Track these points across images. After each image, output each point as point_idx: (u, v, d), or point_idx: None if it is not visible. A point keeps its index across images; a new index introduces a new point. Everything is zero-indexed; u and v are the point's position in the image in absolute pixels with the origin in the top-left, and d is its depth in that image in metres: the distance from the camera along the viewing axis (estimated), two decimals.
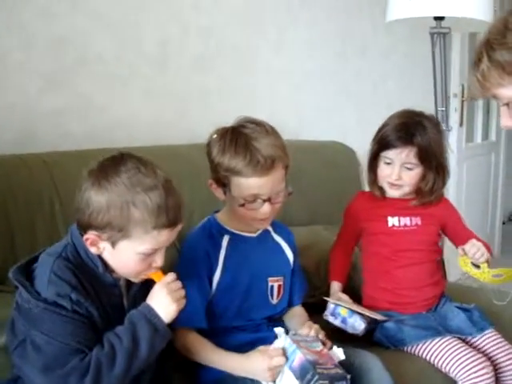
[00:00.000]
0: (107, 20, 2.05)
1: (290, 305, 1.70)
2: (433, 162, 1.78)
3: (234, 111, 2.34)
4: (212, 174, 1.54)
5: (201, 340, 1.50)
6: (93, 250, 1.23)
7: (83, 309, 1.19)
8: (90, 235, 1.21)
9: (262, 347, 1.43)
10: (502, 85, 1.10)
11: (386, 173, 1.79)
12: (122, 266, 1.25)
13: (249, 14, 2.43)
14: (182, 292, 1.27)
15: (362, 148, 2.73)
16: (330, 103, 2.78)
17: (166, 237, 1.22)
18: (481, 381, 1.62)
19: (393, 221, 1.83)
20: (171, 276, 1.27)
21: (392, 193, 1.82)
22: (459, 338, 1.74)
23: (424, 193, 1.82)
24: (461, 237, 1.85)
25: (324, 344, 1.49)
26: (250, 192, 1.47)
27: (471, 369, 1.63)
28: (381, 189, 1.84)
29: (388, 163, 1.78)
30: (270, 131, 1.51)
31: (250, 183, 1.46)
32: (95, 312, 1.21)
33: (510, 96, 1.12)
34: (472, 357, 1.65)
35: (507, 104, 1.14)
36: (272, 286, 1.63)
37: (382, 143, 1.79)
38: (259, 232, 1.63)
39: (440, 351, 1.69)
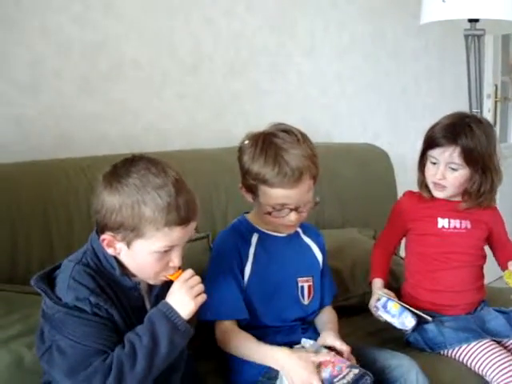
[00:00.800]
0: (141, 26, 2.08)
1: (321, 306, 1.70)
2: (479, 164, 1.75)
3: (266, 115, 2.39)
4: (242, 179, 1.56)
5: (241, 332, 1.52)
6: (110, 251, 1.24)
7: (103, 311, 1.21)
8: (106, 236, 1.23)
9: (314, 358, 1.42)
10: None
11: (431, 172, 1.78)
12: (139, 268, 1.27)
13: (280, 18, 2.44)
14: (201, 287, 1.26)
15: (395, 150, 2.75)
16: (361, 105, 2.77)
17: (178, 234, 1.22)
18: None
19: (443, 222, 1.81)
20: (189, 272, 1.27)
21: (436, 193, 1.80)
22: (495, 341, 1.72)
23: (471, 195, 1.79)
24: (502, 248, 1.86)
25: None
26: (276, 201, 1.49)
27: (508, 372, 1.61)
28: (429, 189, 1.83)
29: (434, 163, 1.77)
30: (301, 140, 1.51)
31: (277, 193, 1.47)
32: (116, 314, 1.23)
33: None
34: (509, 361, 1.63)
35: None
36: (302, 287, 1.63)
37: (428, 142, 1.79)
38: (288, 232, 1.63)
39: (477, 354, 1.68)
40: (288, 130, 1.52)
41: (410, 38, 2.80)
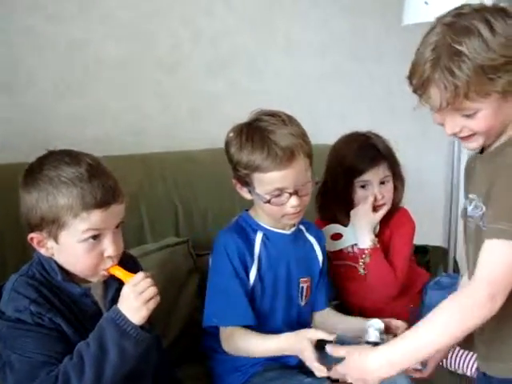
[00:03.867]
0: (120, 25, 2.04)
1: (315, 309, 1.66)
2: (397, 173, 1.85)
3: (245, 115, 2.35)
4: (234, 174, 1.51)
5: (247, 334, 1.48)
6: (43, 251, 1.23)
7: (46, 321, 1.18)
8: (33, 235, 1.22)
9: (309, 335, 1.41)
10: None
11: (365, 194, 1.79)
12: (74, 263, 1.24)
13: (259, 17, 2.40)
14: (152, 291, 1.21)
15: None
16: (341, 105, 2.75)
17: (98, 218, 1.20)
18: None
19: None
20: (139, 276, 1.22)
21: (378, 216, 1.80)
22: None
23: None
24: None
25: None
26: (273, 186, 1.43)
27: (464, 357, 1.64)
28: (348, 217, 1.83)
29: (363, 186, 1.80)
30: (286, 120, 1.47)
31: (271, 177, 1.42)
32: (63, 323, 1.20)
33: (480, 106, 1.13)
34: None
35: (468, 115, 1.15)
36: (302, 287, 1.60)
37: (353, 171, 1.79)
38: (293, 230, 1.58)
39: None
40: (272, 113, 1.49)
41: (391, 38, 2.79)
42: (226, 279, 1.50)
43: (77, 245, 1.21)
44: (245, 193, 1.52)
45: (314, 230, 1.67)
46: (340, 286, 1.88)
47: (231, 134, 1.50)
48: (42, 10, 1.87)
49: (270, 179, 1.42)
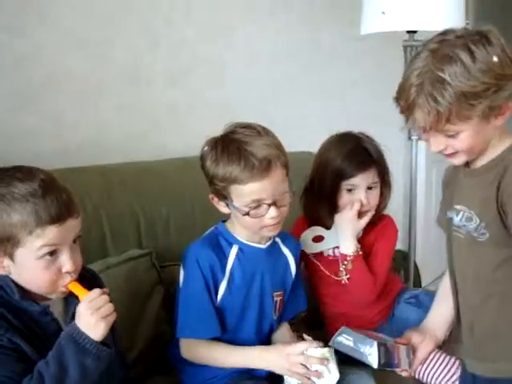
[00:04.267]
0: (76, 36, 2.01)
1: (281, 320, 1.66)
2: (385, 178, 1.79)
3: (205, 125, 2.33)
4: (211, 188, 1.49)
5: (214, 345, 1.49)
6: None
7: (4, 341, 1.16)
8: None
9: (300, 348, 1.42)
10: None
11: (350, 199, 1.73)
12: (32, 281, 1.22)
13: (218, 27, 2.41)
14: (109, 307, 1.19)
15: None
16: (298, 113, 2.77)
17: (54, 234, 1.18)
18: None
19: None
20: (94, 293, 1.20)
21: (363, 222, 1.76)
22: None
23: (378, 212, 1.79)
24: None
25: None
26: (251, 198, 1.42)
27: (439, 373, 1.57)
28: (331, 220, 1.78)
29: (349, 189, 1.73)
30: (261, 132, 1.46)
31: (249, 189, 1.41)
32: (23, 343, 1.18)
33: (461, 128, 1.19)
34: (437, 359, 1.57)
35: (451, 135, 1.21)
36: (276, 301, 1.60)
37: (341, 174, 1.73)
38: (268, 244, 1.57)
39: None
40: (246, 125, 1.48)
41: (346, 46, 2.83)
42: (196, 291, 1.49)
43: (33, 262, 1.19)
44: (222, 207, 1.51)
45: (290, 242, 1.66)
46: (316, 289, 1.86)
47: (206, 148, 1.48)
48: None
49: (248, 190, 1.41)
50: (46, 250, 1.18)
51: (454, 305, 1.39)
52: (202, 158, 1.49)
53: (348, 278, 1.73)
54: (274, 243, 1.60)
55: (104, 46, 2.09)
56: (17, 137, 1.88)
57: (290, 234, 1.69)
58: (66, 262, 1.21)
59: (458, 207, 1.30)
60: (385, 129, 3.22)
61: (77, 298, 1.23)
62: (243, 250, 1.54)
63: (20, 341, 1.17)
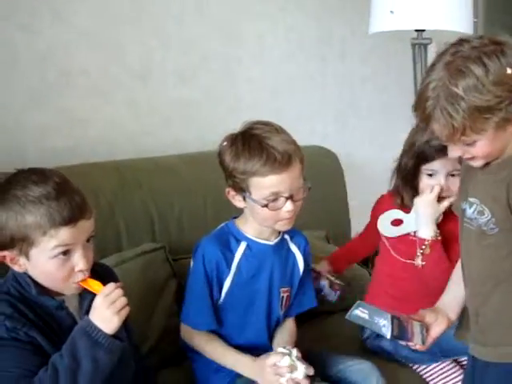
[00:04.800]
0: (89, 34, 2.05)
1: (287, 315, 1.69)
2: None
3: (216, 121, 2.39)
4: (228, 182, 1.53)
5: (210, 341, 1.56)
6: (16, 268, 1.26)
7: (22, 335, 1.20)
8: (5, 253, 1.24)
9: (272, 361, 1.47)
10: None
11: (430, 183, 1.70)
12: (47, 278, 1.27)
13: (229, 24, 2.43)
14: (123, 301, 1.24)
15: (343, 151, 2.79)
16: (309, 108, 2.80)
17: (67, 234, 1.22)
18: None
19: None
20: (110, 287, 1.25)
21: (443, 206, 1.70)
22: (455, 361, 1.76)
23: None
24: None
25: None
26: (270, 190, 1.46)
27: None
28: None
29: (430, 174, 1.70)
30: (279, 129, 1.52)
31: (270, 181, 1.45)
32: (39, 336, 1.22)
33: (478, 137, 1.22)
34: None
35: (468, 144, 1.24)
36: (283, 297, 1.64)
37: (422, 156, 1.70)
38: (277, 240, 1.61)
39: (437, 376, 1.73)
40: (264, 123, 1.53)
41: (357, 42, 2.85)
42: (198, 285, 1.55)
43: (47, 261, 1.23)
44: (238, 201, 1.55)
45: (299, 239, 1.69)
46: (382, 268, 1.85)
47: (225, 143, 1.53)
48: (11, 18, 1.86)
49: (268, 183, 1.46)
50: (60, 249, 1.22)
51: (465, 291, 1.43)
52: (221, 153, 1.53)
53: (424, 264, 1.72)
54: (283, 240, 1.64)
55: (116, 45, 2.12)
56: (31, 133, 1.93)
57: (299, 231, 1.71)
58: (79, 261, 1.25)
59: (471, 200, 1.33)
60: (395, 123, 3.25)
61: (91, 293, 1.28)
62: (251, 246, 1.58)
63: (36, 334, 1.21)
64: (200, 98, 2.37)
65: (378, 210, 1.85)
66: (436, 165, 1.68)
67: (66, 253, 1.24)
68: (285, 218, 1.51)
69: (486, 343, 1.36)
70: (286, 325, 1.69)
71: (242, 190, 1.51)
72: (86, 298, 1.31)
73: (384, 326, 1.36)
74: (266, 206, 1.48)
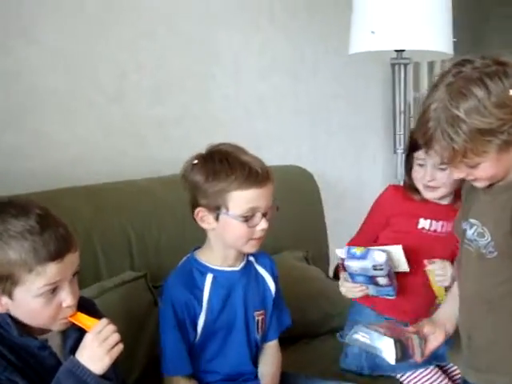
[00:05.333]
0: (61, 53, 1.98)
1: (265, 339, 1.66)
2: None
3: (191, 140, 2.34)
4: (200, 202, 1.49)
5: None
6: None
7: (3, 379, 1.14)
8: None
9: None
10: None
11: (419, 175, 1.71)
12: (32, 317, 1.19)
13: (203, 42, 2.40)
14: (116, 337, 1.18)
15: (318, 170, 2.78)
16: (283, 127, 2.78)
17: (55, 271, 1.15)
18: None
19: (424, 223, 1.74)
20: (102, 323, 1.19)
21: (428, 195, 1.73)
22: (438, 366, 1.75)
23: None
24: None
25: None
26: (249, 206, 1.45)
27: None
28: (419, 192, 1.75)
29: (421, 164, 1.71)
30: (245, 150, 1.52)
31: (250, 195, 1.44)
32: (20, 380, 1.15)
33: (481, 160, 1.20)
34: None
35: (472, 166, 1.22)
36: (258, 320, 1.60)
37: (412, 144, 1.72)
38: (242, 265, 1.58)
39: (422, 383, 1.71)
40: (232, 144, 1.52)
41: (329, 59, 2.85)
42: (170, 331, 1.50)
43: (33, 299, 1.16)
44: (207, 223, 1.51)
45: (264, 260, 1.67)
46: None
47: (196, 162, 1.49)
48: None
49: (249, 196, 1.44)
50: (47, 288, 1.16)
51: (459, 312, 1.41)
52: (190, 173, 1.49)
53: None
54: (248, 263, 1.61)
55: (88, 64, 2.06)
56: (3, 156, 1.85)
57: (262, 251, 1.66)
58: (67, 297, 1.19)
59: (472, 221, 1.32)
60: (369, 140, 3.27)
61: (79, 329, 1.21)
62: (217, 277, 1.54)
63: (19, 378, 1.15)
64: (176, 116, 2.32)
65: (382, 201, 1.82)
66: (422, 154, 1.68)
67: (53, 290, 1.17)
68: (257, 236, 1.49)
69: (479, 368, 1.35)
70: (268, 351, 1.66)
71: (216, 208, 1.47)
72: (70, 336, 1.25)
73: (387, 351, 1.33)
74: (246, 220, 1.46)
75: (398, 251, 1.65)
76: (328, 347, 1.94)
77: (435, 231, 1.75)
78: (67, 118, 2.02)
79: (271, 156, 2.68)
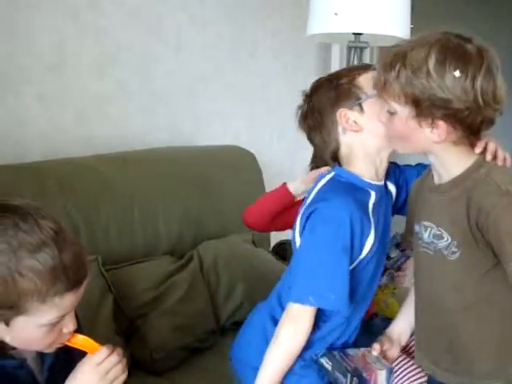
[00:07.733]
0: None
1: None
2: None
3: (132, 118, 2.24)
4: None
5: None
6: None
7: None
8: None
9: None
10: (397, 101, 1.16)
11: None
12: (28, 344, 1.05)
13: (147, 15, 2.28)
14: (118, 370, 1.05)
15: (257, 150, 2.74)
16: (222, 106, 2.72)
17: (70, 300, 1.01)
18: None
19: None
20: (103, 353, 1.06)
21: None
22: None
23: None
24: None
25: None
26: None
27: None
28: None
29: None
30: None
31: None
32: None
33: (396, 109, 1.17)
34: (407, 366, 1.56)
35: (391, 113, 1.19)
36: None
37: None
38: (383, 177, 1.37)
39: None
40: None
41: (268, 39, 2.80)
42: (335, 255, 1.24)
43: (36, 329, 1.01)
44: (351, 124, 1.31)
45: (393, 172, 1.43)
46: None
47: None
48: None
49: None
50: (59, 319, 1.01)
51: (415, 318, 1.38)
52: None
53: None
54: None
55: (25, 31, 1.90)
56: None
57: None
58: (69, 323, 1.05)
59: (425, 223, 1.26)
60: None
61: (75, 349, 1.09)
62: (378, 193, 1.33)
63: None
64: (115, 92, 2.20)
65: None
66: None
67: (59, 320, 1.03)
68: None
69: (471, 373, 1.28)
70: None
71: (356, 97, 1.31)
72: (48, 353, 1.10)
73: (342, 383, 1.31)
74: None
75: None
76: None
77: None
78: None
79: (211, 135, 2.65)
